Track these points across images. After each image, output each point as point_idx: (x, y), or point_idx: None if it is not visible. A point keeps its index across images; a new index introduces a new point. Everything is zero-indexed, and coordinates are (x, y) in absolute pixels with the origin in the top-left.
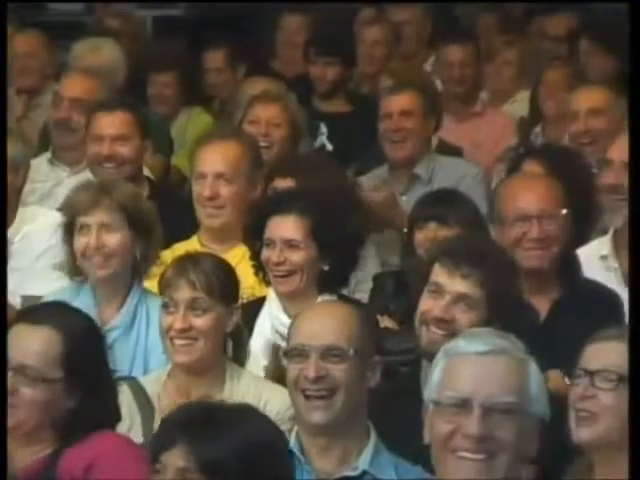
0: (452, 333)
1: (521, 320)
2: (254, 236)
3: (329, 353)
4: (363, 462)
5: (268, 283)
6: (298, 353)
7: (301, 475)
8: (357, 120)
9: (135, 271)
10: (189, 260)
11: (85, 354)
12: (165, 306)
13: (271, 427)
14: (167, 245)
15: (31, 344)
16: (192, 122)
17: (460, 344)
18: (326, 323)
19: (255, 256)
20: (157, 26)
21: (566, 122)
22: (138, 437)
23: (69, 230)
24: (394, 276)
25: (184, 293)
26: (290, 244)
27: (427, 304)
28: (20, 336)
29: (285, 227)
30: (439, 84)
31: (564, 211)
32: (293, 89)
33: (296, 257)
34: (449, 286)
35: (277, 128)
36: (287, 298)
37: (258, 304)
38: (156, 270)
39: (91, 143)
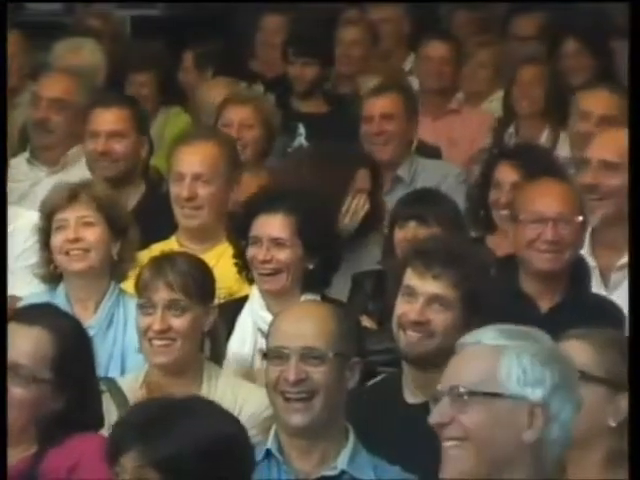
0: (429, 334)
1: (520, 313)
2: (239, 234)
3: (309, 355)
4: (342, 462)
5: (251, 281)
6: (278, 355)
7: (279, 475)
8: (335, 120)
9: (112, 271)
10: (166, 261)
11: (74, 356)
12: (142, 307)
13: (224, 416)
14: (145, 246)
15: (23, 344)
16: (171, 122)
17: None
18: (306, 324)
19: (239, 254)
20: (136, 26)
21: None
22: None
23: (46, 232)
24: (373, 276)
25: (162, 294)
26: (277, 242)
27: (402, 308)
28: (13, 335)
29: (272, 225)
30: (416, 82)
31: (580, 218)
32: (272, 89)
33: (282, 255)
34: (421, 288)
35: (250, 129)
36: (271, 296)
37: (239, 303)
38: (133, 272)
39: (88, 139)
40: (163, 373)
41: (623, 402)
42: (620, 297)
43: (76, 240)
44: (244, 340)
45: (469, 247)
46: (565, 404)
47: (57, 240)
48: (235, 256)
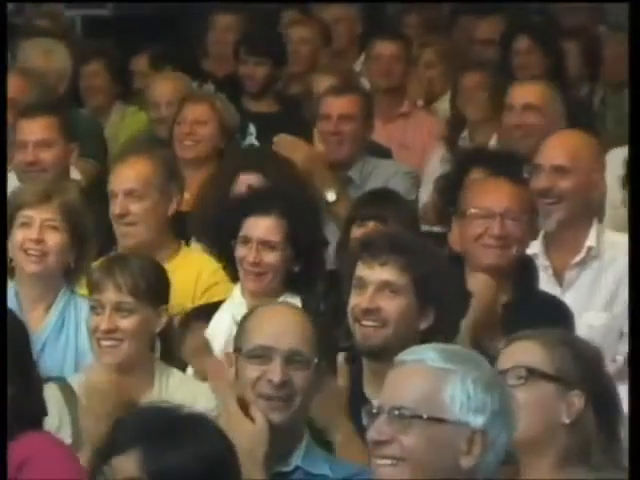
0: (382, 323)
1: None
2: (229, 232)
3: (294, 358)
4: (296, 458)
5: (235, 280)
6: (260, 354)
7: None
8: (285, 120)
9: (66, 277)
10: (117, 261)
11: (13, 347)
12: (92, 307)
13: (223, 440)
14: (99, 255)
15: None
16: (127, 122)
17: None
18: (289, 326)
19: (225, 251)
20: (86, 26)
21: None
22: (67, 438)
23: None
24: (325, 275)
25: (110, 295)
26: (267, 245)
27: (354, 300)
28: None
29: (264, 227)
30: (367, 83)
31: (527, 216)
32: (223, 89)
33: (271, 258)
34: (370, 277)
35: (204, 126)
36: (254, 295)
37: (216, 306)
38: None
39: (16, 150)
40: (112, 372)
41: (576, 399)
42: (574, 295)
43: (38, 241)
44: (215, 340)
45: (416, 237)
46: (502, 430)
47: (19, 236)
48: (219, 253)
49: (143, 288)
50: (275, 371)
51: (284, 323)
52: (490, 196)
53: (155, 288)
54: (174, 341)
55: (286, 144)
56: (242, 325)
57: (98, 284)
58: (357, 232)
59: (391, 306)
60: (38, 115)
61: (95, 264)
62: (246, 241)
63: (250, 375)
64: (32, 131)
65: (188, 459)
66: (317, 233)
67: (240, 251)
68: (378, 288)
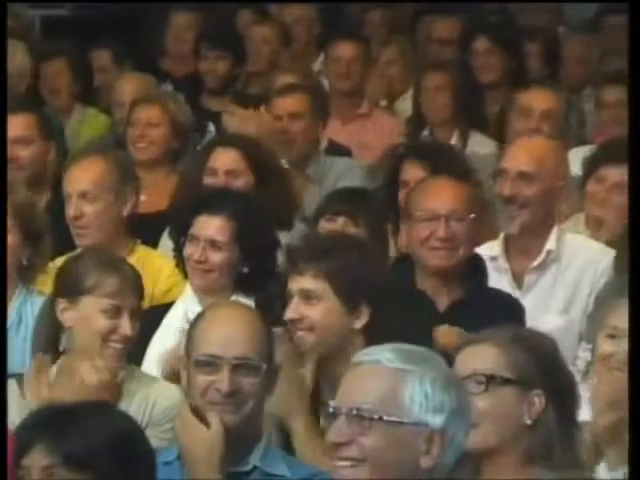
0: (309, 329)
1: (418, 311)
2: (180, 230)
3: (242, 366)
4: (254, 458)
5: (187, 276)
6: (207, 363)
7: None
8: None
9: (20, 275)
10: (107, 264)
11: None
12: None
13: (126, 418)
14: (60, 253)
15: None
16: (87, 124)
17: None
18: (237, 332)
19: (178, 249)
20: (45, 26)
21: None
22: None
23: None
24: (277, 277)
25: (126, 300)
26: (214, 244)
27: (286, 310)
28: None
29: (212, 227)
30: (326, 83)
31: (472, 215)
32: (182, 88)
33: (217, 258)
34: (293, 286)
35: (156, 128)
36: (203, 293)
37: (168, 306)
38: (42, 277)
39: None
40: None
41: (536, 399)
42: (533, 299)
43: None
44: (168, 338)
45: (336, 239)
46: (460, 429)
47: None
48: (174, 250)
49: (130, 289)
50: (223, 381)
51: (231, 330)
52: (434, 198)
53: (138, 288)
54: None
55: (237, 116)
56: (191, 331)
57: (112, 290)
58: (326, 226)
59: (314, 313)
60: (17, 111)
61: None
62: (194, 239)
63: (200, 384)
64: (10, 127)
65: (94, 441)
66: (268, 235)
67: (188, 249)
68: (301, 297)
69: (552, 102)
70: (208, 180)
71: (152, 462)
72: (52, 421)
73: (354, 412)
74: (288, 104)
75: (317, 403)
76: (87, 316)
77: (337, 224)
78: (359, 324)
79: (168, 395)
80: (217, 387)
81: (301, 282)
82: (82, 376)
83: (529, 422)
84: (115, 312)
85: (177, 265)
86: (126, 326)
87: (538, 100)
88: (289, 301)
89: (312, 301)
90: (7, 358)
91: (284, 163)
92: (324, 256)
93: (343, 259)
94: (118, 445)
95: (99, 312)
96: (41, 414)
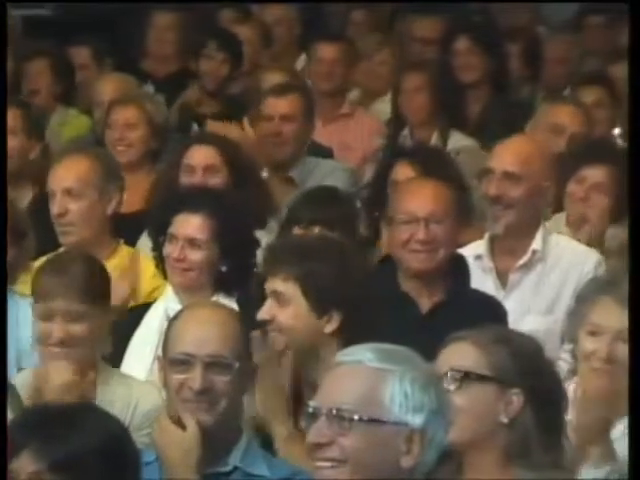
0: (278, 331)
1: (401, 313)
2: (158, 229)
3: (214, 364)
4: (234, 458)
5: (166, 276)
6: (182, 361)
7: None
8: (227, 120)
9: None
10: (61, 267)
11: None
12: (39, 313)
13: (112, 421)
14: (42, 253)
15: None
16: (68, 125)
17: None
18: (211, 331)
19: (157, 249)
20: (26, 26)
21: None
22: None
23: None
24: (258, 278)
25: (59, 304)
26: (192, 243)
27: (259, 311)
28: None
29: (191, 225)
30: (308, 84)
31: (452, 217)
32: (163, 89)
33: (196, 256)
34: (267, 288)
35: (134, 129)
36: (182, 291)
37: (149, 306)
38: (25, 276)
39: None
40: (64, 374)
41: (514, 398)
42: (518, 298)
43: None
44: (148, 337)
45: (310, 241)
46: (440, 428)
47: None
48: (153, 250)
49: (91, 292)
50: (195, 378)
51: (206, 329)
52: (414, 200)
53: (102, 289)
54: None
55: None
56: (167, 331)
57: (44, 291)
58: (300, 233)
59: (283, 316)
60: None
61: (37, 266)
62: (173, 238)
63: (174, 382)
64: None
65: (81, 445)
66: (247, 234)
67: (167, 248)
68: (273, 299)
69: (583, 124)
70: (185, 178)
71: (138, 467)
72: (41, 424)
73: (334, 412)
74: (281, 105)
75: (298, 405)
76: (33, 321)
77: (312, 232)
78: (329, 328)
79: (150, 398)
80: (190, 385)
81: (274, 284)
82: (50, 377)
83: (505, 420)
84: (48, 315)
85: (156, 266)
86: (58, 329)
87: (569, 119)
88: (265, 301)
89: (282, 303)
90: (7, 358)
91: (265, 171)
92: (296, 259)
93: (315, 263)
94: (105, 451)
95: (36, 317)
96: (30, 415)
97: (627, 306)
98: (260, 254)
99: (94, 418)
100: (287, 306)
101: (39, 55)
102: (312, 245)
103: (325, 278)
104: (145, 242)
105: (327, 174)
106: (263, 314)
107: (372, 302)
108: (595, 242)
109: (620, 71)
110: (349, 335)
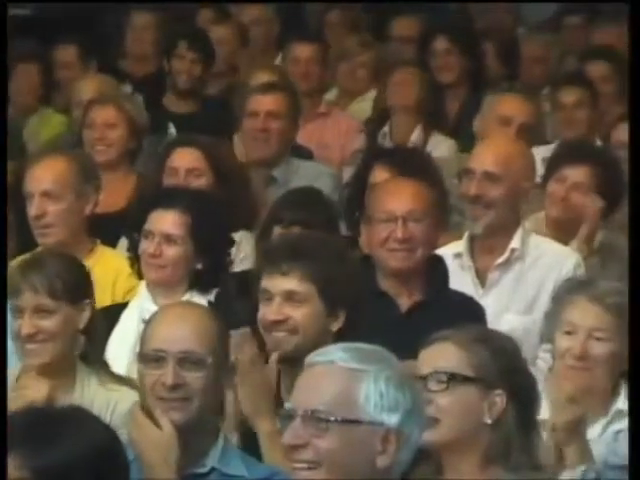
0: (292, 331)
1: (380, 313)
2: (134, 227)
3: (187, 360)
4: (212, 459)
5: (141, 277)
6: (154, 358)
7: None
8: (204, 120)
9: None
10: (31, 263)
11: None
12: (12, 311)
13: (103, 428)
14: (19, 253)
15: None
16: (45, 124)
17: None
18: (183, 327)
19: (133, 248)
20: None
21: None
22: None
23: None
24: (238, 278)
25: (27, 299)
26: (168, 238)
27: (262, 310)
28: None
29: (166, 221)
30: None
31: (432, 214)
32: (141, 89)
33: (171, 252)
34: (274, 287)
35: (113, 129)
36: (157, 288)
37: (124, 305)
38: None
39: None
40: (37, 374)
41: (497, 398)
42: (496, 297)
43: None
44: (124, 338)
45: (318, 241)
46: (415, 427)
47: None
48: (128, 249)
49: (60, 287)
50: (168, 374)
51: (180, 326)
52: (392, 199)
53: (73, 285)
54: (100, 337)
55: None
56: (143, 331)
57: (15, 288)
58: (279, 233)
59: (298, 315)
60: None
61: (11, 265)
62: (148, 235)
63: (148, 379)
64: None
65: (69, 452)
66: (222, 231)
67: (143, 244)
68: (283, 298)
69: (531, 114)
70: (168, 180)
71: (127, 475)
72: (26, 428)
73: (309, 414)
74: (266, 102)
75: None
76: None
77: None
78: (336, 326)
79: (128, 400)
80: (162, 381)
81: (285, 283)
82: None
83: (489, 421)
84: (19, 311)
85: (131, 266)
86: (27, 325)
87: (516, 110)
88: (262, 302)
89: (296, 303)
90: (7, 358)
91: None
92: (310, 258)
93: (327, 262)
94: (93, 459)
95: (11, 313)
96: (16, 419)
97: (602, 304)
98: (252, 253)
99: (82, 423)
100: (302, 306)
101: (25, 57)
102: (318, 244)
103: (336, 276)
104: (124, 243)
105: (313, 178)
106: (274, 315)
107: (367, 300)
108: (582, 242)
109: (598, 71)
110: (347, 333)
